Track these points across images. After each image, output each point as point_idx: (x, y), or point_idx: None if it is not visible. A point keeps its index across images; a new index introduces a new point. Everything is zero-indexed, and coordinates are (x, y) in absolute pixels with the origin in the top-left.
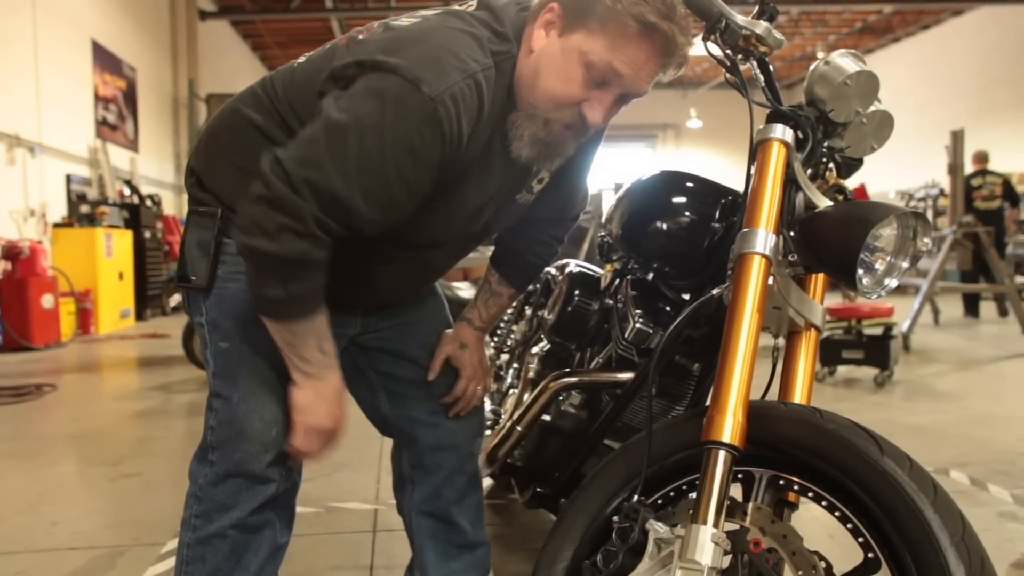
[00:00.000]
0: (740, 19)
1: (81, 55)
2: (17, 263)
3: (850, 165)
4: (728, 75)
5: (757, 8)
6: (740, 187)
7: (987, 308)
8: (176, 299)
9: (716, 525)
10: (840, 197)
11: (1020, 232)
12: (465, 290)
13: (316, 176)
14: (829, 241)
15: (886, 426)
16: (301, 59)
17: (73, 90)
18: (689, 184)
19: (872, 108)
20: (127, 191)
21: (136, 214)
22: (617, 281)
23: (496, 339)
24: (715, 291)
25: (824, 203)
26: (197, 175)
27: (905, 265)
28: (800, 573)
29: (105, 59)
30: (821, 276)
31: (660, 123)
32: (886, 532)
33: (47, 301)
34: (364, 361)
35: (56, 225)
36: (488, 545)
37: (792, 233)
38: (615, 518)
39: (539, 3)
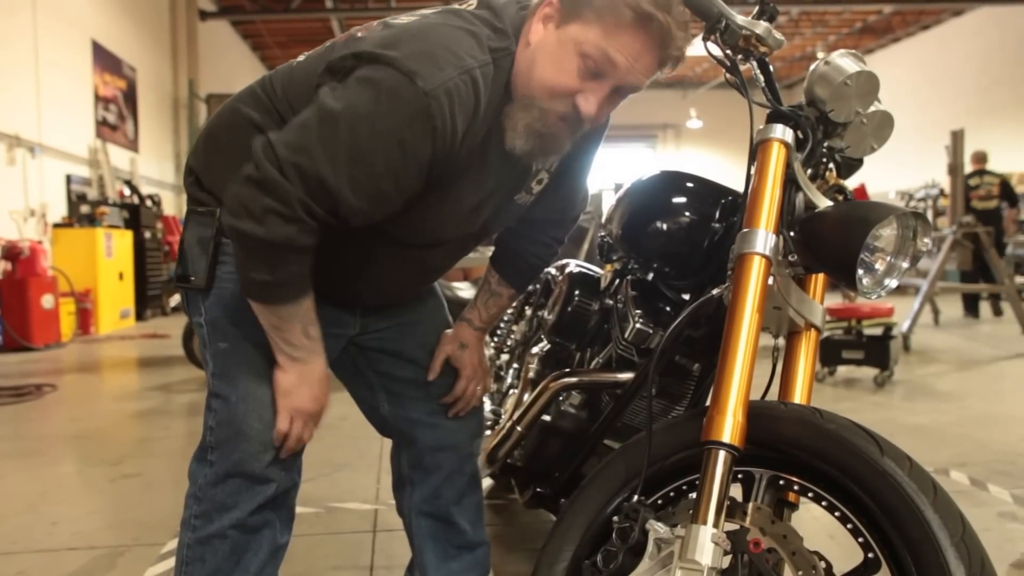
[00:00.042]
0: (740, 19)
1: (81, 55)
2: (17, 263)
3: (850, 165)
4: (728, 75)
5: (757, 8)
6: (740, 187)
7: (987, 308)
8: (176, 299)
9: (716, 525)
10: (840, 197)
11: (1020, 232)
12: (465, 290)
13: (305, 162)
14: (829, 241)
15: (886, 426)
16: (300, 58)
17: (73, 90)
18: (689, 184)
19: (872, 108)
20: (127, 191)
21: (136, 214)
22: (617, 281)
23: (496, 339)
24: (715, 291)
25: (824, 203)
26: (196, 174)
27: (905, 265)
28: (800, 573)
29: (105, 59)
30: (821, 276)
31: (660, 123)
32: (886, 532)
33: (47, 301)
34: (363, 361)
35: (56, 225)
36: (488, 545)
37: (792, 233)
38: (615, 518)
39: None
